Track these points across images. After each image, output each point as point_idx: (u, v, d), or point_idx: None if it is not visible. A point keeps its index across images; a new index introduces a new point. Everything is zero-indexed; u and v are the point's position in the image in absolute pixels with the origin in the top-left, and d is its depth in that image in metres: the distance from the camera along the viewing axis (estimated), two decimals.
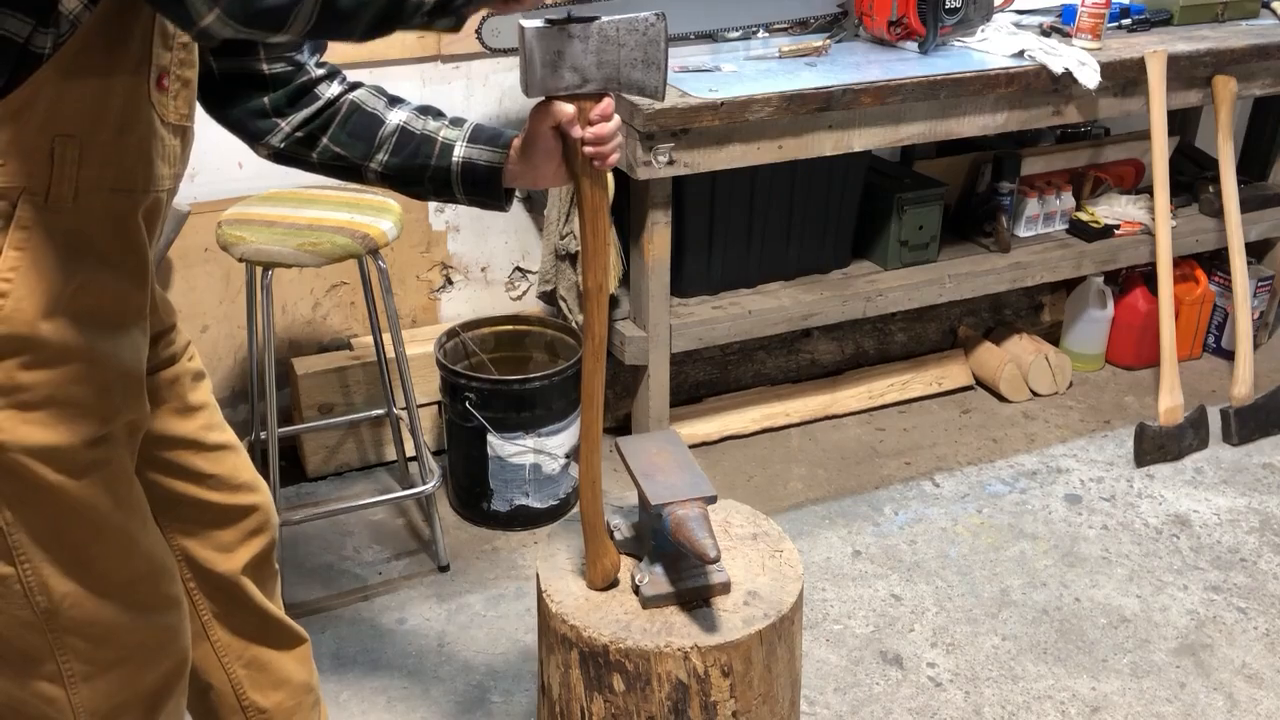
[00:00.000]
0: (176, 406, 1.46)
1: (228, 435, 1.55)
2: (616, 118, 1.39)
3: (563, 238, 2.73)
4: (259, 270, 2.25)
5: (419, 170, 1.49)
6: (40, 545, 1.20)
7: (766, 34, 2.86)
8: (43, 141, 1.11)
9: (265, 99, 1.44)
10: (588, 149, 1.38)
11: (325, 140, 1.47)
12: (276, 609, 1.65)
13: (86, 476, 1.22)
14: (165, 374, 1.44)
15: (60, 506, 1.20)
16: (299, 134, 1.46)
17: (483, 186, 1.49)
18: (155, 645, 1.35)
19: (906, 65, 2.65)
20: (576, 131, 1.37)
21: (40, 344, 1.15)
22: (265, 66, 1.43)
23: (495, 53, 2.51)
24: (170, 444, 1.46)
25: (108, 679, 1.30)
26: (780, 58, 2.68)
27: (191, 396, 1.49)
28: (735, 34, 2.81)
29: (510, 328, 2.83)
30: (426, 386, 2.74)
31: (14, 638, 1.23)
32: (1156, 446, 2.96)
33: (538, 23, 1.31)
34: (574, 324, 2.77)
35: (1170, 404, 2.98)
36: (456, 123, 1.51)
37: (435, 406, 2.83)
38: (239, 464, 1.55)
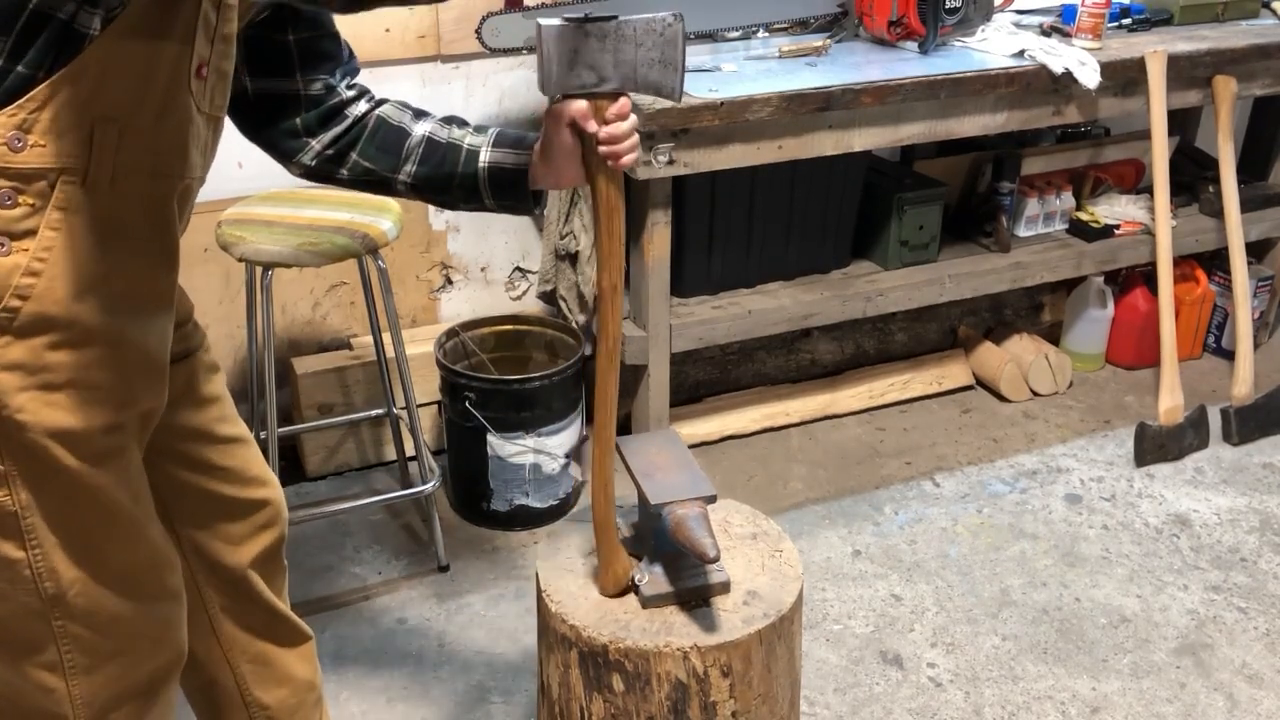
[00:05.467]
0: (191, 398, 1.47)
1: (240, 428, 1.55)
2: (633, 117, 1.40)
3: (563, 238, 2.73)
4: (259, 270, 2.25)
5: (447, 178, 1.51)
6: (52, 530, 1.21)
7: (766, 34, 2.86)
8: (83, 123, 1.11)
9: (298, 120, 1.47)
10: (603, 148, 1.39)
11: (354, 156, 1.50)
12: (283, 605, 1.65)
13: (102, 463, 1.22)
14: (181, 365, 1.45)
15: (74, 492, 1.21)
16: (329, 152, 1.49)
17: (510, 190, 1.50)
18: (154, 637, 1.35)
19: (906, 65, 2.65)
20: (592, 127, 1.37)
21: (69, 325, 1.15)
22: (300, 88, 1.46)
23: (495, 53, 2.51)
24: (183, 435, 1.46)
25: (107, 669, 1.30)
26: (780, 57, 2.68)
27: (205, 388, 1.49)
28: (735, 34, 2.81)
29: (510, 328, 2.83)
30: (426, 386, 2.74)
31: (17, 624, 1.24)
32: (1157, 446, 2.96)
33: (555, 22, 1.32)
34: (574, 324, 2.77)
35: (1170, 404, 2.98)
36: (480, 130, 1.53)
37: (435, 406, 2.83)
38: (250, 457, 1.56)
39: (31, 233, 1.11)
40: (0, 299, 1.11)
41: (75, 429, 1.18)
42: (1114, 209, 3.28)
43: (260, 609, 1.61)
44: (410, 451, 2.74)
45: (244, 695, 1.63)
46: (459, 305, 3.02)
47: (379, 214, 2.27)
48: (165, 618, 1.36)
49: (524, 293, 3.09)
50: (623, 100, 1.38)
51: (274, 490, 1.59)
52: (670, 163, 2.45)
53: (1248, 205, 3.24)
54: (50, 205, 1.12)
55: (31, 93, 1.08)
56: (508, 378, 2.57)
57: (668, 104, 2.38)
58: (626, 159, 1.40)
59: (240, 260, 2.19)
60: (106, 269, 1.17)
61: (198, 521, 1.52)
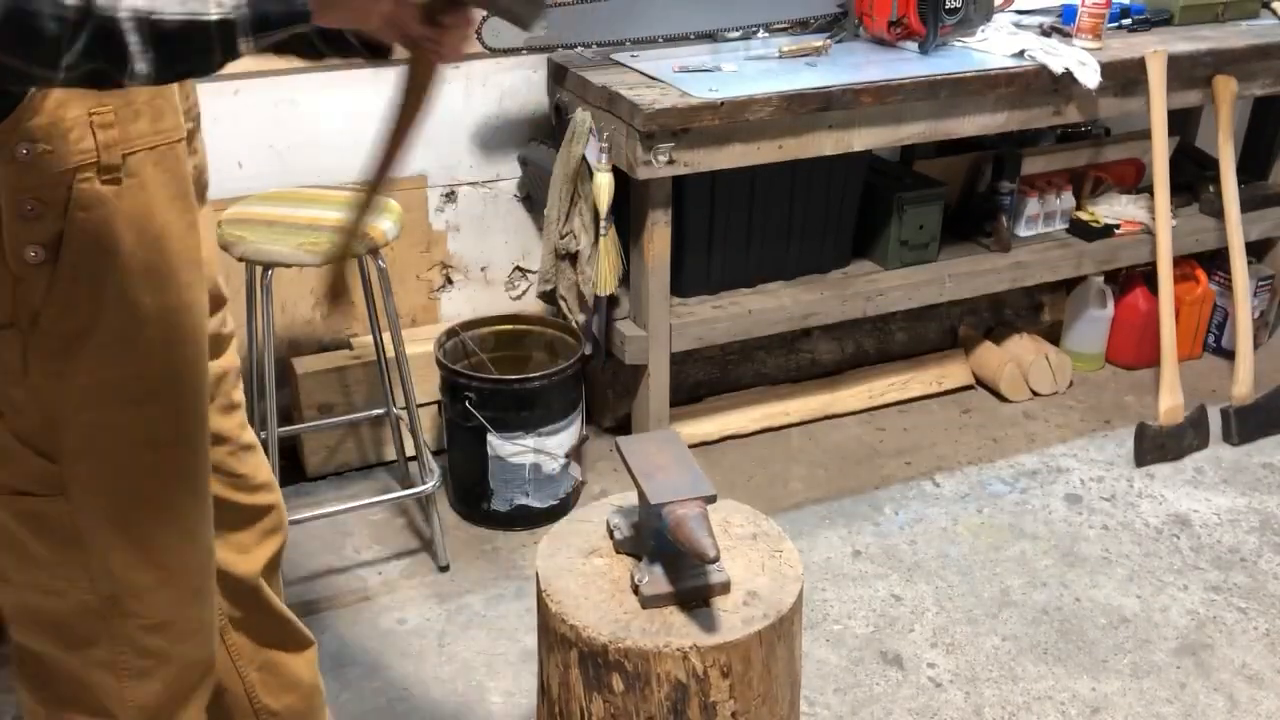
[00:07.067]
0: (222, 403, 1.46)
1: (253, 434, 1.55)
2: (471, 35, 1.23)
3: (563, 237, 2.73)
4: (259, 270, 2.25)
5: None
6: (110, 529, 1.22)
7: (767, 34, 2.86)
8: (81, 118, 1.11)
9: None
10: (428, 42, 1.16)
11: None
12: (288, 611, 1.65)
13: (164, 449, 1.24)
14: (215, 366, 1.43)
15: (138, 480, 1.23)
16: None
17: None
18: (200, 639, 1.36)
19: (907, 65, 2.65)
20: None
21: (105, 328, 1.17)
22: None
23: (495, 53, 2.51)
24: (212, 439, 1.45)
25: (158, 673, 1.32)
26: (780, 57, 2.68)
27: (235, 394, 1.49)
28: (735, 34, 2.81)
29: (510, 327, 2.83)
30: (426, 386, 2.74)
31: (76, 623, 1.25)
32: (1157, 446, 2.96)
33: None
34: (574, 324, 2.77)
35: (1170, 404, 2.98)
36: None
37: (435, 406, 2.82)
38: (260, 463, 1.55)
39: (58, 237, 1.12)
40: (37, 309, 1.13)
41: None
42: (1114, 209, 3.27)
43: (272, 618, 1.61)
44: (410, 451, 2.74)
45: (253, 703, 1.63)
46: (459, 305, 3.02)
47: (379, 214, 2.27)
48: (209, 621, 1.38)
49: (524, 292, 3.09)
50: (470, 12, 1.17)
51: (277, 495, 1.60)
52: (670, 162, 2.45)
53: (1248, 205, 3.24)
54: (73, 205, 1.12)
55: (25, 101, 1.08)
56: (508, 378, 2.57)
57: (668, 104, 2.38)
58: (445, 56, 1.17)
59: (240, 260, 2.19)
60: (153, 237, 1.18)
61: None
